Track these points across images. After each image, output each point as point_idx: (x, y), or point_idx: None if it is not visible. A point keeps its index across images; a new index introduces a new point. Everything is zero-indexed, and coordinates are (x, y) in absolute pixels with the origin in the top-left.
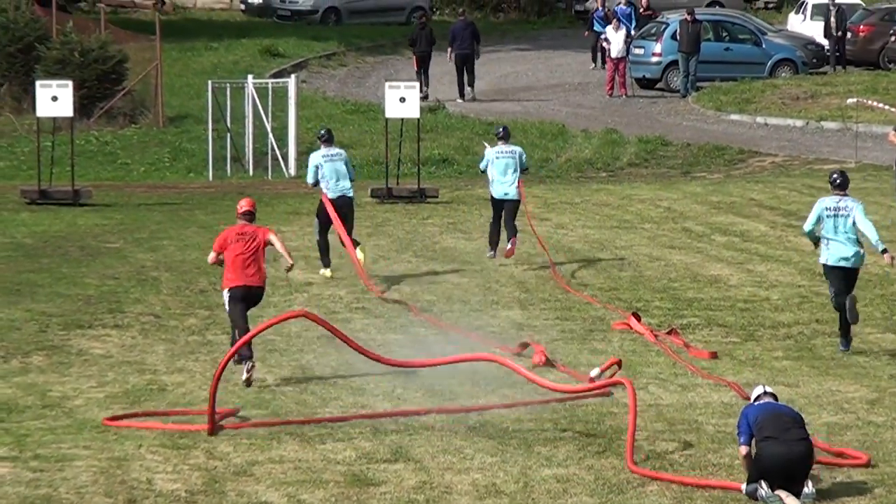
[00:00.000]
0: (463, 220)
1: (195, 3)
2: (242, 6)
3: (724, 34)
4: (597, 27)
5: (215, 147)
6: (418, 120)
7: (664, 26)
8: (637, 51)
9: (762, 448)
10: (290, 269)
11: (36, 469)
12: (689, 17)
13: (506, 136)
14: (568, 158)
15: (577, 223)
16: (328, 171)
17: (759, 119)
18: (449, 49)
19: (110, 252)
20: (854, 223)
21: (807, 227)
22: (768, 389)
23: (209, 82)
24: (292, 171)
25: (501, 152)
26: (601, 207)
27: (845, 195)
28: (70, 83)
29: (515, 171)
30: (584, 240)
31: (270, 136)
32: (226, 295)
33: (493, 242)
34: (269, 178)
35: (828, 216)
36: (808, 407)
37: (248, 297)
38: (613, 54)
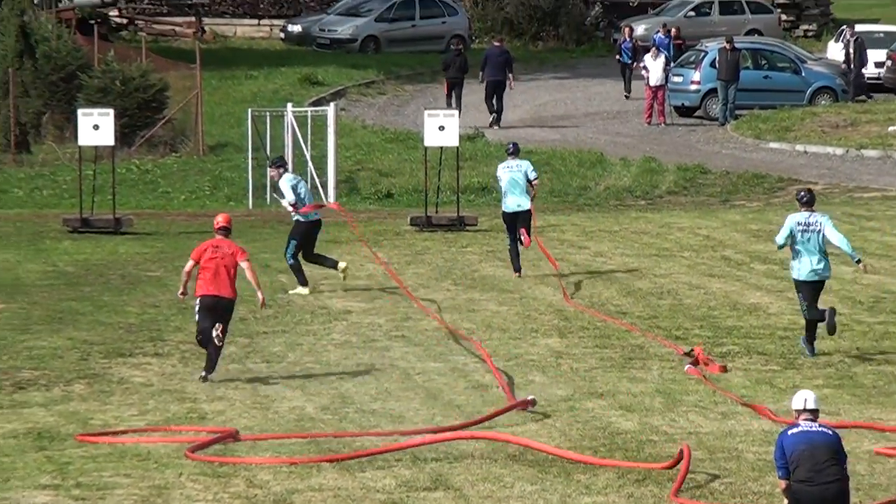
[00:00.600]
0: (502, 248)
1: (235, 31)
2: (282, 35)
3: (763, 62)
4: (624, 58)
5: (255, 175)
6: (457, 148)
7: (703, 54)
8: (676, 79)
9: (796, 491)
10: (262, 305)
11: (78, 497)
12: (728, 46)
13: (514, 152)
14: (606, 186)
15: (616, 251)
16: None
17: (799, 147)
18: (481, 73)
19: (151, 280)
20: (824, 237)
21: (780, 240)
22: (810, 404)
23: (249, 111)
24: (331, 200)
25: (509, 167)
26: (640, 235)
27: (813, 211)
28: (111, 112)
29: (523, 185)
30: (623, 268)
31: (310, 164)
32: (196, 303)
33: (516, 262)
34: None
35: (800, 231)
36: (849, 435)
37: (217, 306)
38: (652, 82)
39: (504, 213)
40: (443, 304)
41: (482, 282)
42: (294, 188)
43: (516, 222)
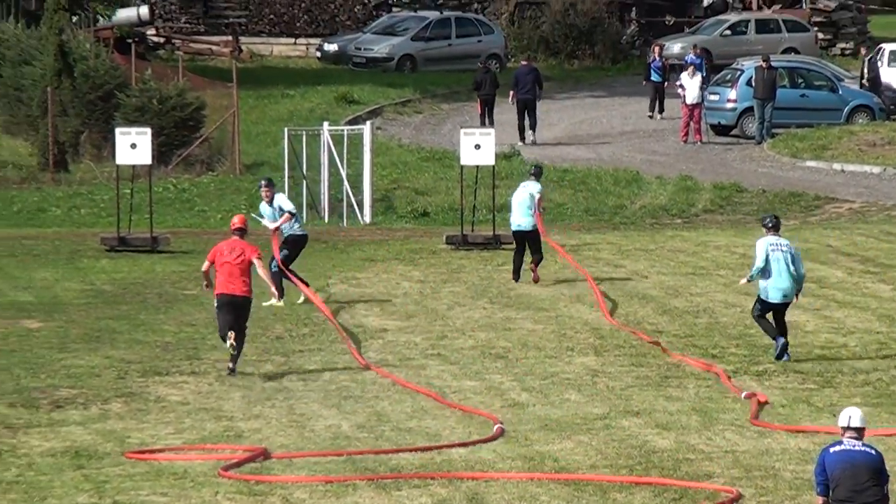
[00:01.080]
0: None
1: (272, 50)
2: (318, 54)
3: (800, 80)
4: (654, 77)
5: (291, 194)
6: (493, 166)
7: (739, 73)
8: (712, 97)
9: None
10: (278, 298)
11: None
12: (764, 64)
13: (536, 175)
14: (642, 205)
15: (652, 270)
16: None
17: (836, 165)
18: (511, 93)
19: (187, 299)
20: (792, 257)
21: (760, 263)
22: (854, 422)
23: (285, 129)
24: (367, 219)
25: (523, 185)
26: (676, 254)
27: (779, 236)
28: (149, 130)
29: (529, 207)
30: (660, 286)
31: (346, 183)
32: (215, 301)
33: (515, 271)
34: (345, 224)
35: (771, 251)
36: (888, 453)
37: (232, 304)
38: (688, 100)
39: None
40: (479, 323)
41: (518, 300)
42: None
43: (523, 241)
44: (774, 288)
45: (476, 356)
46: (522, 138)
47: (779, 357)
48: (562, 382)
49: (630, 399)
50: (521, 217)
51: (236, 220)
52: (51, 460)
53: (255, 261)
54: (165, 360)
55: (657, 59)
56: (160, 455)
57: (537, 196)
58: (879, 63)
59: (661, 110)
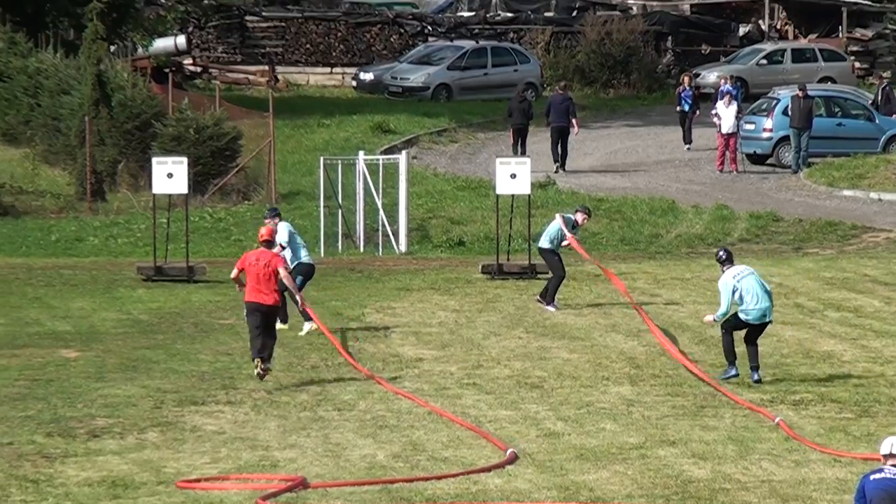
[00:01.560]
0: (573, 296)
1: (308, 80)
2: (354, 83)
3: (837, 110)
4: (684, 107)
5: (327, 223)
6: (529, 196)
7: (775, 102)
8: (748, 126)
9: None
10: (302, 306)
11: None
12: (800, 93)
13: (586, 213)
14: (678, 234)
15: (688, 299)
16: None
17: (873, 195)
18: (545, 119)
19: (223, 328)
20: (761, 277)
21: (724, 307)
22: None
23: (321, 159)
24: (403, 248)
25: (554, 218)
26: (712, 283)
27: (736, 264)
28: (185, 160)
29: (550, 235)
30: (695, 316)
31: (381, 212)
32: (244, 306)
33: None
34: (380, 254)
35: (739, 280)
36: None
37: (259, 311)
38: (724, 130)
39: None
40: (514, 352)
41: (553, 329)
42: (291, 235)
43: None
44: (754, 310)
45: (512, 386)
46: (558, 165)
47: (724, 379)
48: (597, 412)
49: (666, 428)
50: (541, 239)
51: (264, 232)
52: (87, 490)
53: (281, 269)
54: (201, 389)
55: (686, 88)
56: (207, 485)
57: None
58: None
59: (689, 140)
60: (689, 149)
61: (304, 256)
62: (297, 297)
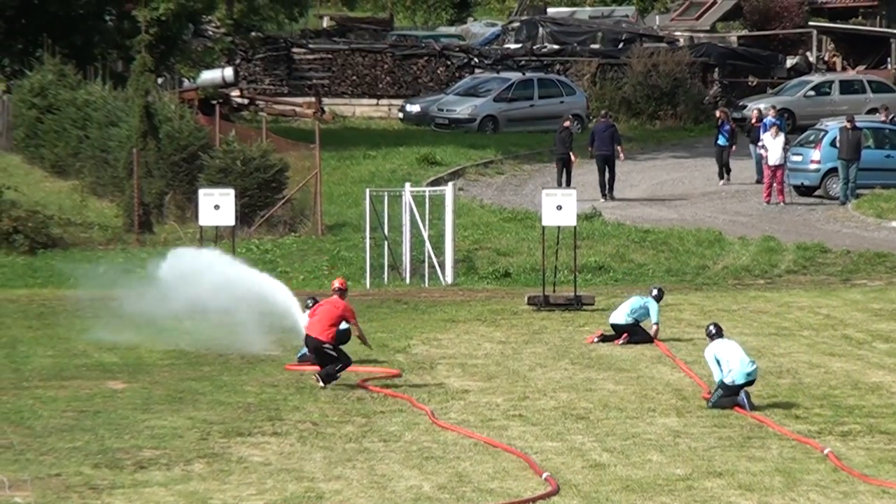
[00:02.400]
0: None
1: (354, 111)
2: (400, 115)
3: (886, 141)
4: (721, 141)
5: (373, 255)
6: (575, 227)
7: (823, 133)
8: (795, 158)
9: None
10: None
11: None
12: (849, 125)
13: (657, 297)
14: (725, 266)
15: (735, 330)
16: None
17: None
18: (589, 149)
19: (269, 360)
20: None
21: (718, 374)
22: None
23: (367, 190)
24: (449, 279)
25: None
26: (759, 315)
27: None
28: (232, 191)
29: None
30: (742, 347)
31: (427, 244)
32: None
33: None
34: (426, 285)
35: (721, 349)
36: None
37: (312, 345)
38: (771, 161)
39: None
40: (560, 384)
41: (599, 361)
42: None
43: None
44: (740, 373)
45: (557, 417)
46: (604, 195)
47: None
48: (643, 443)
49: (712, 460)
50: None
51: (336, 283)
52: None
53: (347, 316)
54: (247, 420)
55: (725, 122)
56: None
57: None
58: None
59: (724, 175)
60: (723, 184)
61: None
62: (366, 344)
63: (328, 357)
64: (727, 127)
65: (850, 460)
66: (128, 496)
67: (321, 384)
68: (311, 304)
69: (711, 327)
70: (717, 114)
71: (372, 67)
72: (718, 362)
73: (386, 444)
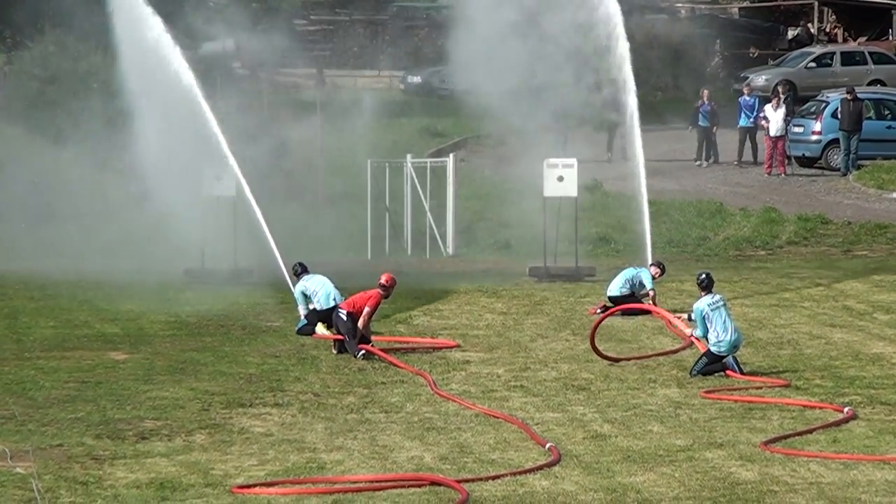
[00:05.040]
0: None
1: (355, 82)
2: (401, 86)
3: (886, 112)
4: (701, 122)
5: (374, 226)
6: (576, 198)
7: (824, 105)
8: (796, 129)
9: None
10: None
11: None
12: (850, 96)
13: (659, 268)
14: (726, 237)
15: (736, 301)
16: None
17: None
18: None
19: (271, 331)
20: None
21: (700, 331)
22: None
23: (369, 162)
24: (450, 250)
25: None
26: (760, 286)
27: (713, 293)
28: (234, 162)
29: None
30: (743, 318)
31: (429, 214)
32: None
33: None
34: (428, 256)
35: (713, 310)
36: None
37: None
38: (772, 133)
39: None
40: (561, 355)
41: (600, 332)
42: (305, 295)
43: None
44: (726, 342)
45: (558, 388)
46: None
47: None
48: (644, 414)
49: (713, 431)
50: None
51: (383, 278)
52: (136, 492)
53: (366, 308)
54: (249, 391)
55: (705, 102)
56: (277, 490)
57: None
58: None
59: (710, 156)
60: (700, 164)
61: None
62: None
63: (343, 325)
64: (707, 107)
65: (851, 431)
66: (129, 466)
67: (358, 355)
68: (298, 270)
69: (703, 276)
70: (702, 93)
71: (373, 39)
72: (705, 323)
73: (387, 415)
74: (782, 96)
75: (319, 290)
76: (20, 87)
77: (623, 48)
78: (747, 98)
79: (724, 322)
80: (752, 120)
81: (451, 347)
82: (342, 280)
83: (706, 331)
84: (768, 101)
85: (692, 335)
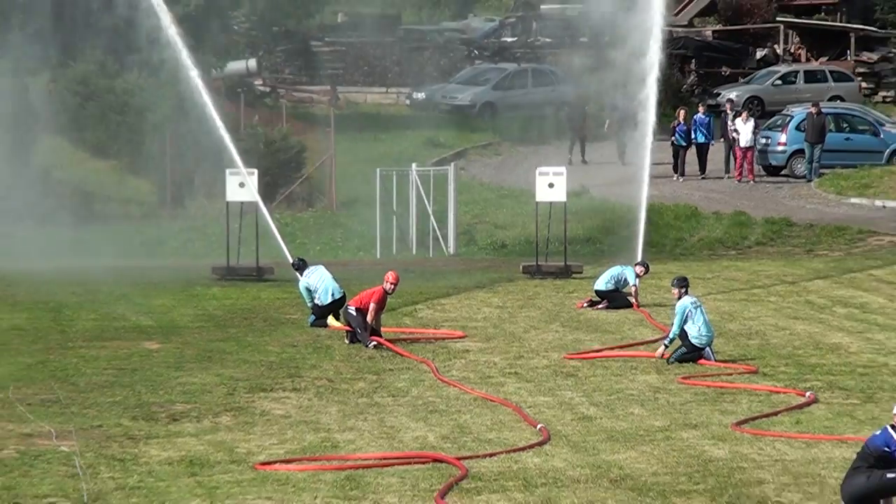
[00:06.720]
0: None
1: (366, 98)
2: (408, 101)
3: (845, 125)
4: (678, 140)
5: (382, 228)
6: (565, 203)
7: (789, 118)
8: (763, 140)
9: None
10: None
11: None
12: (814, 110)
13: (644, 267)
14: (700, 238)
15: (709, 296)
16: None
17: (878, 202)
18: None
19: (289, 322)
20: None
21: (677, 329)
22: None
23: (377, 170)
24: (451, 250)
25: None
26: (731, 282)
27: (690, 293)
28: (255, 171)
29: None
30: (716, 311)
31: (432, 217)
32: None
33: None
34: (431, 255)
35: (694, 308)
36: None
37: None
38: (742, 143)
39: None
40: (552, 344)
41: (587, 324)
42: (309, 290)
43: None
44: (705, 335)
45: (549, 374)
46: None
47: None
48: (626, 398)
49: (688, 413)
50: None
51: (390, 276)
52: (168, 468)
53: (372, 303)
54: (270, 377)
55: (681, 123)
56: (295, 466)
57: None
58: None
59: (683, 173)
60: (676, 179)
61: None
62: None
63: (354, 320)
64: (684, 127)
65: (812, 413)
66: (162, 445)
67: (368, 345)
68: (299, 264)
69: (683, 279)
70: (679, 113)
71: (382, 59)
72: (685, 321)
73: (394, 399)
74: (745, 112)
75: (320, 285)
76: (64, 102)
77: (652, 79)
78: (702, 116)
79: (705, 319)
80: (707, 136)
81: (459, 338)
82: (353, 277)
83: (682, 326)
84: (738, 115)
85: (664, 347)
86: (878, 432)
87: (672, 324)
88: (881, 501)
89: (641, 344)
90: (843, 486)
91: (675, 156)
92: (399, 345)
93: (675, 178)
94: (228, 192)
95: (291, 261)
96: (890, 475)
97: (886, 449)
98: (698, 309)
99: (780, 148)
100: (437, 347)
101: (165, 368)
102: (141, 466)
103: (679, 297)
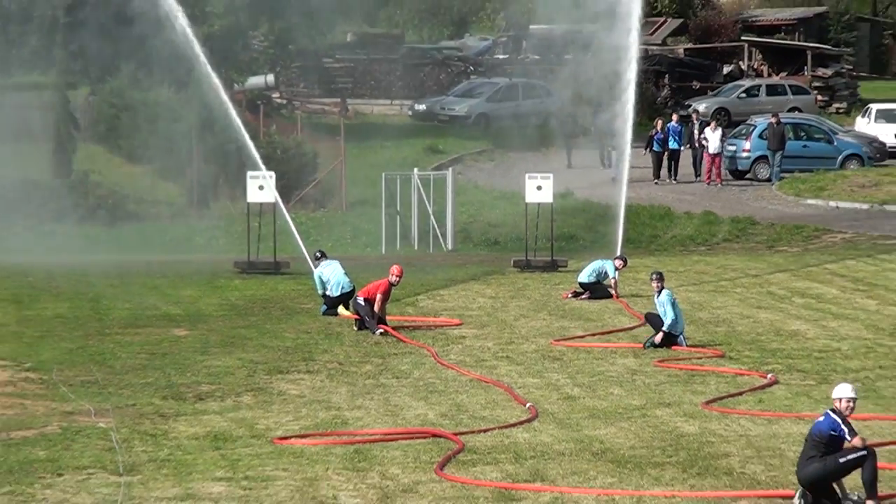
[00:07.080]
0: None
1: (372, 109)
2: (410, 112)
3: (803, 134)
4: (655, 147)
5: (388, 226)
6: (552, 204)
7: (752, 128)
8: (730, 147)
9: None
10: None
11: (246, 487)
12: (775, 120)
13: (622, 261)
14: (673, 235)
15: (681, 288)
16: None
17: (832, 203)
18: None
19: (304, 311)
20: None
21: (673, 315)
22: (846, 394)
23: (383, 174)
24: (450, 246)
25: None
26: (700, 275)
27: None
28: (273, 175)
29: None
30: (687, 301)
31: (432, 217)
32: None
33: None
34: (431, 251)
35: (673, 298)
36: (873, 437)
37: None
38: (711, 150)
39: None
40: (540, 331)
41: (571, 312)
42: (321, 281)
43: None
44: (681, 323)
45: (537, 358)
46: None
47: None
48: (607, 380)
49: (662, 393)
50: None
51: (395, 270)
52: (195, 443)
53: (378, 294)
54: (286, 361)
55: (658, 132)
56: (305, 440)
57: (613, 279)
58: (867, 120)
59: (675, 175)
60: (657, 182)
61: (333, 292)
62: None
63: (363, 310)
64: (661, 135)
65: (773, 393)
66: (189, 422)
67: (375, 332)
68: (318, 256)
69: (660, 273)
70: (657, 122)
71: (387, 74)
72: (668, 310)
73: (398, 380)
74: (713, 122)
75: (332, 278)
76: (101, 113)
77: (630, 94)
78: (675, 125)
79: (679, 309)
80: (679, 143)
81: (457, 325)
82: (361, 270)
83: (676, 315)
84: (707, 125)
85: (662, 330)
86: (821, 418)
87: (666, 313)
88: (833, 483)
89: (621, 331)
90: (799, 472)
91: (656, 162)
92: (402, 332)
93: (655, 182)
94: (249, 194)
95: (314, 253)
96: (842, 459)
97: (833, 432)
98: (675, 301)
99: (745, 154)
100: (436, 334)
101: (192, 353)
102: (171, 441)
103: (659, 291)
